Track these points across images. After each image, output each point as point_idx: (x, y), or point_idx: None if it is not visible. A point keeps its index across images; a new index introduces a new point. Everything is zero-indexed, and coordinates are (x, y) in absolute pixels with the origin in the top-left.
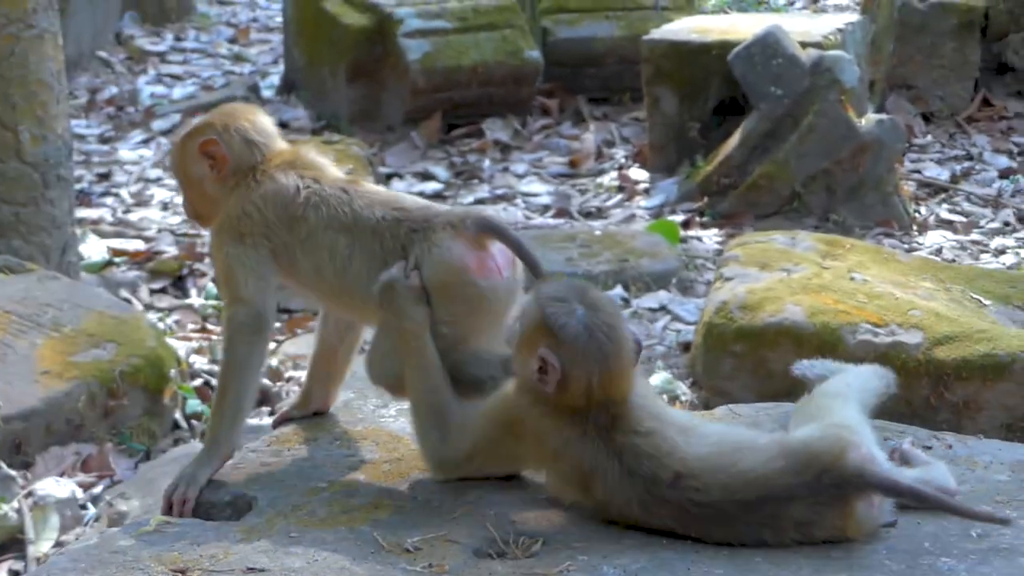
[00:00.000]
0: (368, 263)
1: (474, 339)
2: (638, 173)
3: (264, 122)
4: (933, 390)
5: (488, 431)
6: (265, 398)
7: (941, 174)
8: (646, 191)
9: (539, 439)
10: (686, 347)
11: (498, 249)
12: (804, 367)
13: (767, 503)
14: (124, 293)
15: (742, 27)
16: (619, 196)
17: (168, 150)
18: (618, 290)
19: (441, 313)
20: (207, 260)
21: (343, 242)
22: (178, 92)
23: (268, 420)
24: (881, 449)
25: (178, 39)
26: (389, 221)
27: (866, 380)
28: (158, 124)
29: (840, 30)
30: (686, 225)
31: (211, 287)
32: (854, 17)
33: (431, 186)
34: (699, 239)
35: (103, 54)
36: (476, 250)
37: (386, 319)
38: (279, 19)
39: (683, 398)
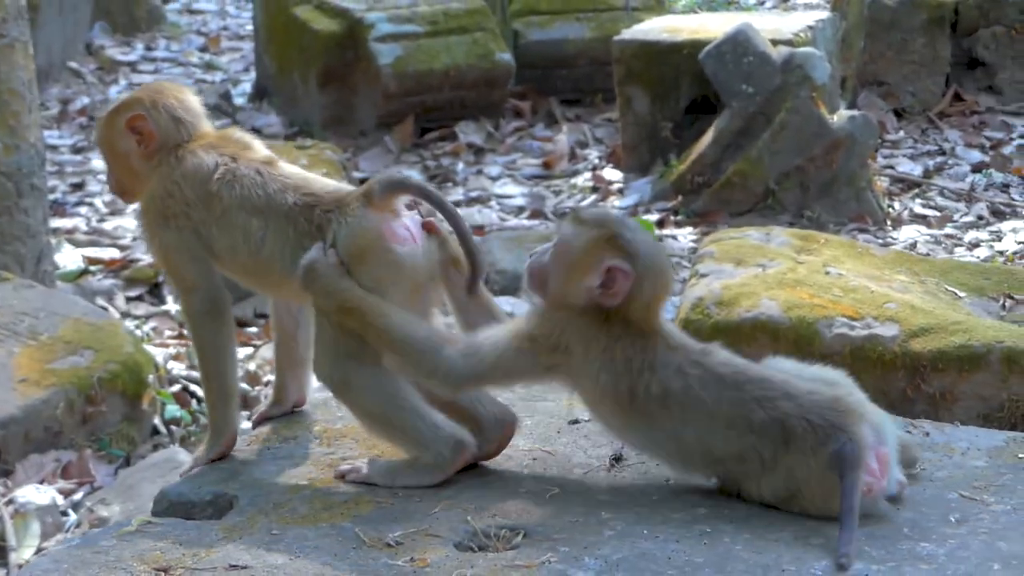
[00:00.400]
0: (281, 246)
1: (402, 305)
2: (612, 173)
3: (192, 101)
4: (910, 382)
5: (518, 348)
6: (244, 402)
7: (914, 169)
8: (620, 191)
9: (587, 344)
10: None
11: (410, 219)
12: None
13: (773, 383)
14: (100, 301)
15: (712, 26)
16: (593, 196)
17: (94, 124)
18: None
19: (364, 283)
20: None
21: (256, 224)
22: None
23: (247, 423)
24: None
25: (149, 49)
26: (301, 206)
27: None
28: None
29: (810, 27)
30: (661, 224)
31: None
32: (824, 14)
33: None
34: (674, 238)
35: (74, 65)
36: (389, 219)
37: (317, 304)
38: (249, 27)
39: None
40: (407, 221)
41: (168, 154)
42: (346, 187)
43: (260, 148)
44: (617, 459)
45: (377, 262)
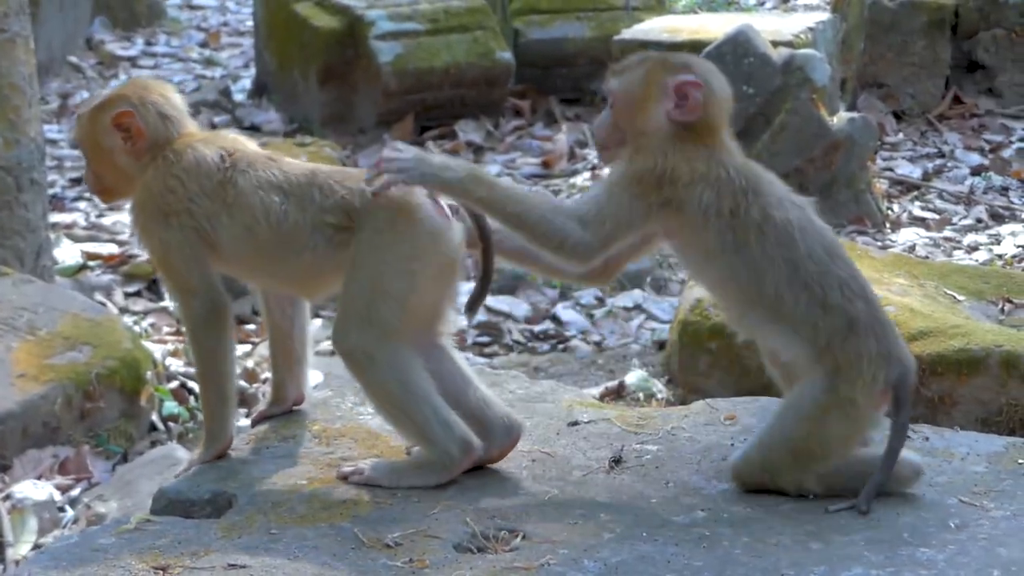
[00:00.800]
0: (304, 212)
1: (431, 282)
2: None
3: (176, 98)
4: None
5: (630, 194)
6: (242, 400)
7: (913, 172)
8: None
9: (691, 163)
10: (661, 345)
11: (446, 203)
12: None
13: (859, 279)
14: (99, 297)
15: (712, 27)
16: None
17: (75, 120)
18: (592, 290)
19: (402, 246)
20: None
21: (277, 199)
22: None
23: (246, 421)
24: None
25: (149, 44)
26: (326, 173)
27: None
28: None
29: (811, 29)
30: None
31: None
32: (824, 16)
33: None
34: None
35: (74, 59)
36: (428, 196)
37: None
38: (250, 23)
39: (659, 395)
40: (444, 204)
41: (159, 151)
42: None
43: (255, 145)
44: (616, 461)
45: (420, 230)
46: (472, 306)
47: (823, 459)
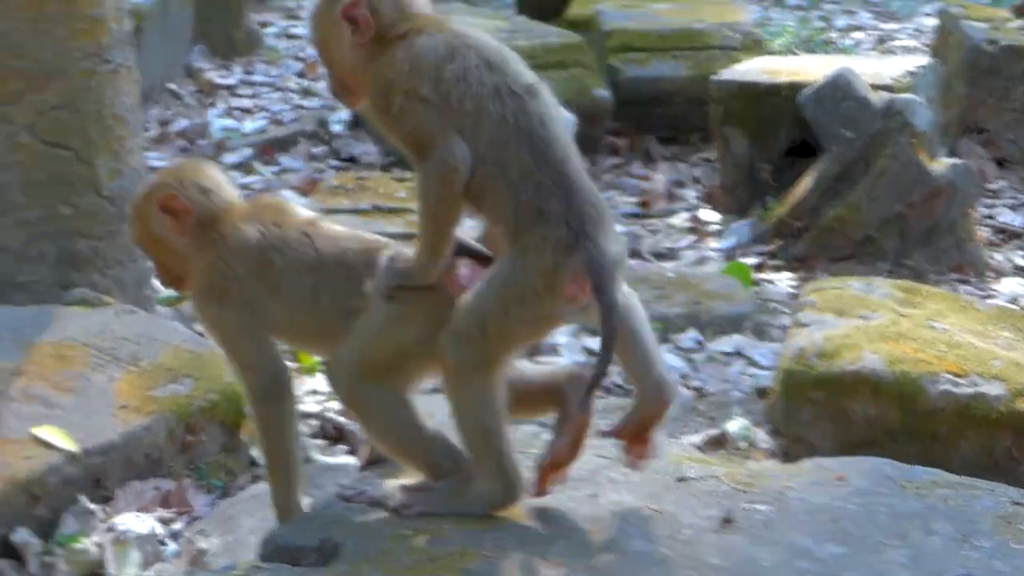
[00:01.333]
0: (333, 296)
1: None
2: (709, 214)
3: (213, 172)
4: (1015, 442)
5: (413, 106)
6: (341, 435)
7: (1015, 220)
8: (717, 233)
9: (394, 67)
10: (761, 392)
11: (464, 263)
12: None
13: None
14: (198, 327)
15: (811, 68)
16: (690, 238)
17: (128, 212)
18: (692, 333)
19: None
20: None
21: (308, 283)
22: (248, 126)
23: (347, 458)
24: None
25: (247, 72)
26: (356, 251)
27: None
28: (229, 157)
29: (911, 72)
30: (759, 268)
31: None
32: (924, 59)
33: None
34: (771, 282)
35: (173, 86)
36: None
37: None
38: None
39: (763, 445)
40: (462, 266)
41: (210, 231)
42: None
43: (298, 210)
44: (727, 520)
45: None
46: None
47: (502, 341)
